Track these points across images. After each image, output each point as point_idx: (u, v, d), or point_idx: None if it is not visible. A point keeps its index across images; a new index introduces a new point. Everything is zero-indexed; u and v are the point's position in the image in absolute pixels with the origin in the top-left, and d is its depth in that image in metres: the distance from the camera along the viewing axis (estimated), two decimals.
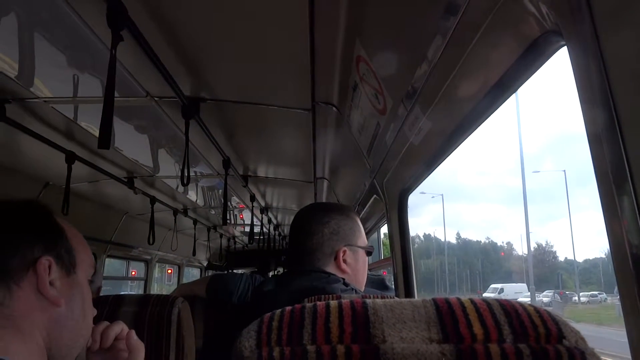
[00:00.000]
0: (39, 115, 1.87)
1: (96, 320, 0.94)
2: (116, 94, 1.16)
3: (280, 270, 7.87)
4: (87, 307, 0.87)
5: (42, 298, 0.77)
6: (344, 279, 1.18)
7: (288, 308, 0.51)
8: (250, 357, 0.47)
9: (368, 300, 0.50)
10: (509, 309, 0.48)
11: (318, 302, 0.51)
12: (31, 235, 0.79)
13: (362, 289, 1.32)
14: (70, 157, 2.19)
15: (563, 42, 0.75)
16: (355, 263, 1.27)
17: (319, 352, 0.46)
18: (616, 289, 0.61)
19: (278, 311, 0.51)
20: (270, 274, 6.60)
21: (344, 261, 1.24)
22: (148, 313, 1.37)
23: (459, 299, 0.50)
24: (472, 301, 0.49)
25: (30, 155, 2.23)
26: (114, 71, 1.14)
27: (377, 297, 1.00)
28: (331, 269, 1.23)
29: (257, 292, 1.25)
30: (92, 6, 1.16)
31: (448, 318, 0.47)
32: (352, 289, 1.15)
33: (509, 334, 0.46)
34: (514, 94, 1.07)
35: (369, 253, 1.33)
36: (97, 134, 2.10)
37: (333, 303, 0.50)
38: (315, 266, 1.23)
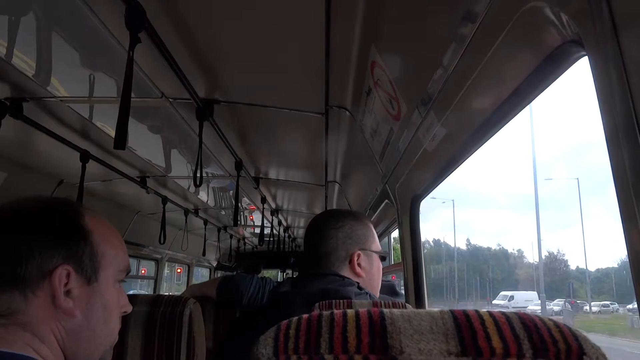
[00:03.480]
0: (55, 114, 1.89)
1: None
2: (132, 95, 1.17)
3: (290, 272, 7.89)
4: (108, 314, 0.83)
5: (58, 307, 0.74)
6: (358, 283, 1.19)
7: (305, 316, 0.51)
8: None
9: (385, 310, 0.49)
10: (529, 323, 0.47)
11: (335, 311, 0.50)
12: (52, 242, 0.76)
13: (377, 294, 1.33)
14: (85, 156, 2.21)
15: (583, 52, 0.74)
16: (370, 267, 1.29)
17: None
18: (629, 298, 0.60)
19: (295, 318, 0.51)
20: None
21: (359, 265, 1.26)
22: (160, 313, 1.38)
23: (477, 312, 0.49)
24: (490, 314, 0.48)
25: (45, 153, 2.25)
26: (131, 72, 1.15)
27: (389, 304, 1.00)
28: (346, 272, 1.24)
29: (274, 293, 1.26)
30: (111, 7, 1.17)
31: (466, 331, 0.47)
32: (366, 293, 1.15)
33: (528, 349, 0.45)
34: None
35: (382, 258, 1.34)
36: (111, 133, 2.13)
37: (350, 312, 0.50)
38: (331, 270, 1.24)
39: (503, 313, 0.49)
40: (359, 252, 1.26)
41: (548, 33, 0.78)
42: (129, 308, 0.91)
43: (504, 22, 0.84)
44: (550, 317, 0.49)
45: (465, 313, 0.49)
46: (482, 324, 0.47)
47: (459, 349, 0.46)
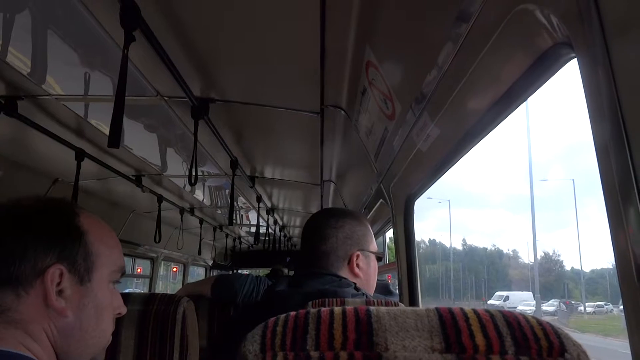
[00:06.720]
0: (50, 112, 1.89)
1: None
2: (127, 93, 1.17)
3: (285, 271, 7.87)
4: (101, 315, 0.82)
5: (50, 307, 0.75)
6: (355, 284, 1.19)
7: (292, 313, 0.51)
8: None
9: (372, 308, 0.50)
10: (512, 320, 0.48)
11: (322, 309, 0.51)
12: (46, 242, 0.76)
13: (372, 294, 1.33)
14: (80, 154, 2.21)
15: (573, 54, 0.74)
16: (367, 268, 1.28)
17: (322, 358, 0.46)
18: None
19: (282, 316, 0.51)
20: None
21: (357, 266, 1.25)
22: (153, 312, 1.37)
23: (462, 310, 0.50)
24: (475, 312, 0.49)
25: (40, 152, 2.25)
26: (125, 71, 1.15)
27: (382, 302, 1.00)
28: (344, 273, 1.24)
29: (270, 292, 1.25)
30: (106, 6, 1.17)
31: (451, 328, 0.47)
32: (363, 294, 1.15)
33: (511, 346, 0.46)
34: (523, 103, 1.07)
35: (379, 259, 1.34)
36: (106, 132, 2.12)
37: (337, 309, 0.50)
38: (329, 270, 1.23)
39: (487, 311, 0.49)
40: (358, 252, 1.25)
41: (539, 35, 0.79)
42: (123, 310, 0.90)
43: (496, 23, 0.85)
44: (534, 316, 0.50)
45: (450, 311, 0.49)
46: (467, 321, 0.48)
47: (443, 346, 0.46)
